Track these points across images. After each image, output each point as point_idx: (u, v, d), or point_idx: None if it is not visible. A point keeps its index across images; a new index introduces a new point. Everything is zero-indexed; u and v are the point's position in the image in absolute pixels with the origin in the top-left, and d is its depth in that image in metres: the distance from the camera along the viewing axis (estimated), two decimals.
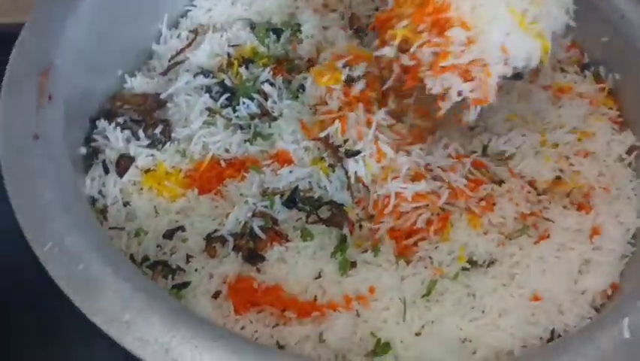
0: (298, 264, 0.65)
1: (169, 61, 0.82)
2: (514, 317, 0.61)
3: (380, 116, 0.72)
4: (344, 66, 0.74)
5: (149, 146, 0.73)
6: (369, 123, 0.72)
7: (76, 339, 0.67)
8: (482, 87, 0.62)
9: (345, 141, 0.71)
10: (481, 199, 0.69)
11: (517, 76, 0.65)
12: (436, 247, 0.66)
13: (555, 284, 0.64)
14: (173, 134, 0.75)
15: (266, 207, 0.69)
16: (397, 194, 0.68)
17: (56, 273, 0.52)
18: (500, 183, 0.71)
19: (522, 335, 0.60)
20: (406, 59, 0.64)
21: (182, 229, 0.68)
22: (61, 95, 0.65)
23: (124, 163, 0.70)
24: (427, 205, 0.68)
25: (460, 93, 0.63)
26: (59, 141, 0.62)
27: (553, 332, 0.61)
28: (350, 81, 0.74)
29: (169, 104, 0.77)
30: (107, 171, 0.70)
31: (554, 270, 0.65)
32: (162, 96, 0.78)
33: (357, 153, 0.70)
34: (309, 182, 0.71)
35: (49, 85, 0.64)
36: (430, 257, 0.66)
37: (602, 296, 0.64)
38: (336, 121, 0.71)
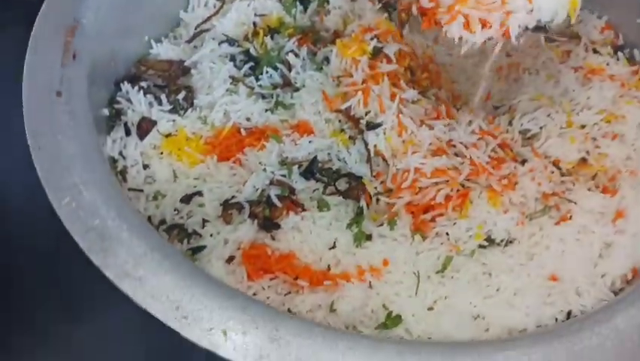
0: (313, 233, 0.64)
1: (195, 28, 0.82)
2: (529, 297, 0.60)
3: (408, 94, 0.71)
4: (371, 39, 0.73)
5: (170, 111, 0.73)
6: (392, 97, 0.71)
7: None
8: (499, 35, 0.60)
9: (367, 114, 0.71)
10: (503, 177, 0.67)
11: (540, 29, 0.63)
12: (454, 224, 0.65)
13: (574, 266, 0.62)
14: (195, 101, 0.75)
15: (284, 176, 0.69)
16: (417, 169, 0.67)
17: (72, 227, 0.52)
18: (523, 162, 0.69)
19: (537, 315, 0.59)
20: (425, 1, 0.62)
21: (199, 194, 0.68)
22: (87, 55, 0.66)
23: (145, 126, 0.70)
24: (447, 181, 0.67)
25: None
26: (82, 99, 0.62)
27: (569, 313, 0.60)
28: (377, 54, 0.73)
29: (193, 71, 0.77)
30: (128, 133, 0.70)
31: (574, 252, 0.63)
32: (186, 63, 0.78)
33: (378, 125, 0.69)
34: (328, 153, 0.71)
35: (74, 44, 0.65)
36: (447, 233, 0.65)
37: (622, 280, 0.63)
38: (359, 93, 0.71)
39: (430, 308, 0.60)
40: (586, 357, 0.49)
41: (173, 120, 0.73)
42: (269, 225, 0.65)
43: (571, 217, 0.65)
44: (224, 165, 0.71)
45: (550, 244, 0.64)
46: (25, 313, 0.77)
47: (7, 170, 0.70)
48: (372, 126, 0.69)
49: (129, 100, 0.73)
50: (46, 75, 0.62)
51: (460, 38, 0.64)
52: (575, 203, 0.66)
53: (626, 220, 0.65)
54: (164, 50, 0.80)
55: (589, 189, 0.68)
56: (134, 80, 0.75)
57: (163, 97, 0.74)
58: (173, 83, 0.77)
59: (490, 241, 0.65)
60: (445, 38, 0.85)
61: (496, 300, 0.60)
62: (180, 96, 0.75)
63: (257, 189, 0.68)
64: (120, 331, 0.75)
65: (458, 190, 0.67)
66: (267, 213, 0.66)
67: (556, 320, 0.60)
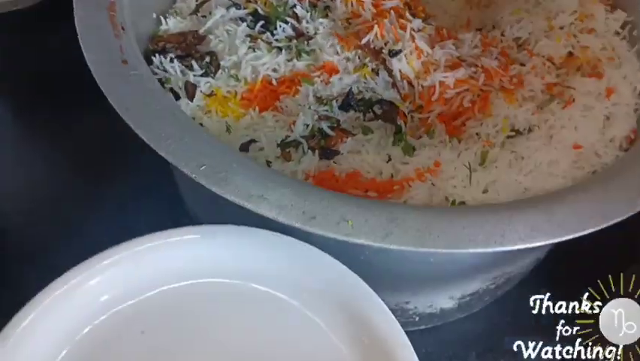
0: (369, 153, 0.76)
1: (196, 0, 0.91)
2: (562, 164, 0.74)
3: (415, 24, 0.84)
4: None
5: (203, 75, 0.82)
6: (402, 28, 0.83)
7: None
8: None
9: (386, 44, 0.83)
10: (512, 77, 0.82)
11: None
12: (482, 124, 0.79)
13: (588, 136, 0.77)
14: (221, 63, 0.83)
15: (326, 111, 0.79)
16: (441, 83, 0.80)
17: (186, 166, 0.60)
18: (522, 64, 0.84)
19: (572, 178, 0.74)
20: None
21: (254, 141, 0.77)
22: (130, 27, 0.73)
23: (191, 88, 0.79)
24: (467, 89, 0.80)
25: None
26: (144, 65, 0.70)
27: (594, 173, 0.75)
28: None
29: (210, 37, 0.86)
30: (177, 97, 0.78)
31: (584, 125, 0.78)
32: (201, 31, 0.86)
33: (399, 52, 0.81)
34: (357, 87, 0.82)
35: (117, 18, 0.72)
36: (477, 133, 0.79)
37: (627, 141, 0.79)
38: (375, 27, 0.82)
39: (485, 191, 0.73)
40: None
41: (208, 82, 0.81)
42: (329, 153, 0.75)
43: (574, 100, 0.80)
44: (267, 114, 0.80)
45: (564, 124, 0.79)
46: None
47: None
48: (394, 53, 0.81)
49: (165, 70, 0.80)
50: (106, 48, 0.69)
51: None
52: (574, 88, 0.82)
53: (617, 95, 0.81)
54: (173, 24, 0.88)
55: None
56: (160, 53, 0.83)
57: (193, 62, 0.82)
58: (195, 51, 0.85)
59: (515, 131, 0.78)
60: None
61: (536, 173, 0.74)
62: (206, 61, 0.83)
63: (307, 126, 0.78)
64: None
65: (479, 95, 0.80)
66: (323, 144, 0.76)
67: None
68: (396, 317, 0.84)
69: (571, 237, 0.59)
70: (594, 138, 0.78)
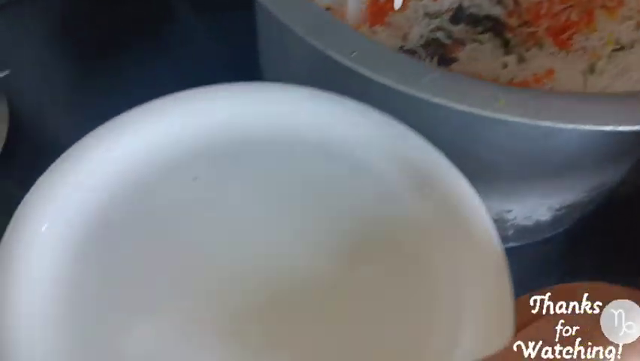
0: (486, 60, 0.79)
1: None
2: None
3: None
4: None
5: None
6: None
7: None
8: None
9: None
10: None
11: None
12: (587, 38, 0.83)
13: None
14: None
15: (439, 23, 0.83)
16: None
17: (339, 55, 0.64)
18: None
19: None
20: None
21: None
22: None
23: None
24: (572, 5, 0.84)
25: None
26: None
27: None
28: None
29: None
30: None
31: None
32: None
33: None
34: (465, 3, 0.86)
35: None
36: (584, 47, 0.82)
37: None
38: None
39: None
40: None
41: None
42: (448, 59, 0.79)
43: None
44: (378, 28, 0.84)
45: None
46: None
47: None
48: None
49: None
50: None
51: None
52: None
53: None
54: None
55: None
56: None
57: None
58: None
59: (620, 44, 0.82)
60: None
61: None
62: None
63: (422, 36, 0.81)
64: None
65: (584, 11, 0.84)
66: (439, 53, 0.80)
67: None
68: None
69: None
70: None
